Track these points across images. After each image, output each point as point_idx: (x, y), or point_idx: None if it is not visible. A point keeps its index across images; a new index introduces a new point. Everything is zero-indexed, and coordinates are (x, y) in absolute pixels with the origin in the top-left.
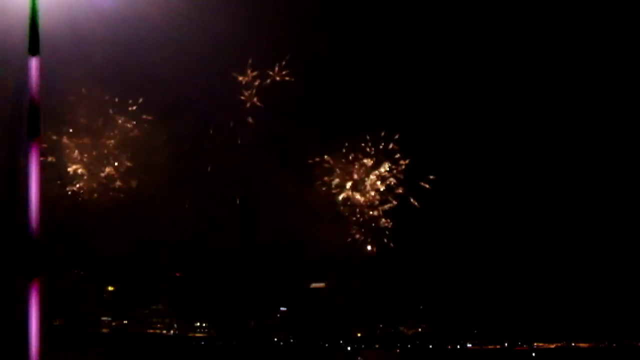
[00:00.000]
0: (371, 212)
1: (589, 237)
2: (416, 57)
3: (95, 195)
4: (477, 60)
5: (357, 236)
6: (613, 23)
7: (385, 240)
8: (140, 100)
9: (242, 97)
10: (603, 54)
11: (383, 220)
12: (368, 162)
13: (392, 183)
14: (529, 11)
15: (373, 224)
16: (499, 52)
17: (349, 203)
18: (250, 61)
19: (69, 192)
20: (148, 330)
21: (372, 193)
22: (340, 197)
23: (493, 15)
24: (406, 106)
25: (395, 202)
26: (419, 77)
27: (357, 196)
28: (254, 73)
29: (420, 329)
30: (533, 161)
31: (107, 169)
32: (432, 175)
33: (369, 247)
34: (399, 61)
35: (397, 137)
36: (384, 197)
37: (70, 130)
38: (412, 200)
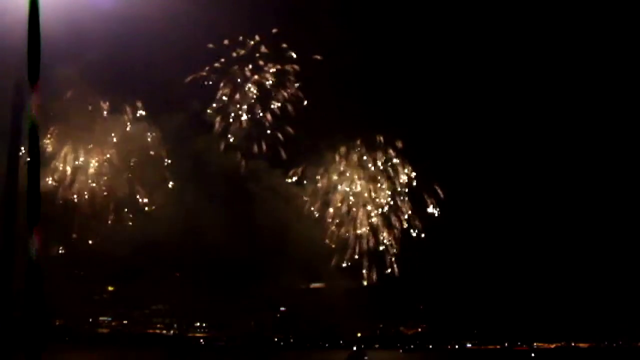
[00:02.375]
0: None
1: (589, 238)
2: (420, 64)
3: (89, 194)
4: (483, 69)
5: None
6: (613, 23)
7: (387, 256)
8: (139, 101)
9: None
10: (604, 55)
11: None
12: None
13: (388, 193)
14: (536, 23)
15: (371, 246)
16: (508, 63)
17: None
18: (250, 66)
19: (68, 193)
20: (148, 330)
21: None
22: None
23: (499, 25)
24: (409, 116)
25: (398, 226)
26: (423, 86)
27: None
28: (254, 75)
29: (420, 329)
30: (531, 162)
31: (103, 170)
32: (432, 180)
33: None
34: (402, 67)
35: (400, 146)
36: (381, 204)
37: (67, 130)
38: (415, 224)
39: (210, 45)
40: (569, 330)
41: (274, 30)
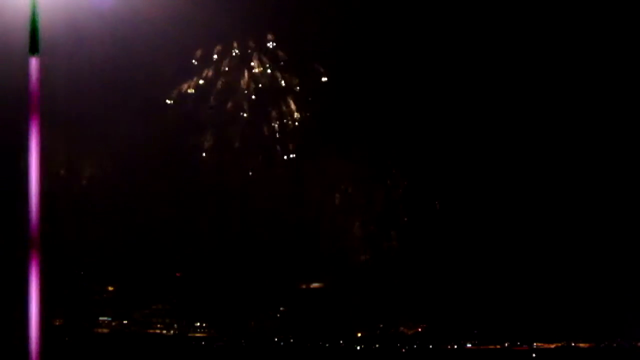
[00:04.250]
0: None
1: (589, 237)
2: (420, 72)
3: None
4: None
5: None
6: (612, 23)
7: (384, 243)
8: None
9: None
10: (601, 56)
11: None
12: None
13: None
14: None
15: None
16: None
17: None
18: (247, 71)
19: (66, 192)
20: (148, 330)
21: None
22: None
23: (491, 32)
24: (406, 124)
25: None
26: (422, 94)
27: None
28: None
29: (420, 329)
30: (533, 163)
31: (98, 172)
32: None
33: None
34: (402, 73)
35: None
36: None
37: (63, 131)
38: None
39: (199, 52)
40: (569, 330)
41: (269, 37)
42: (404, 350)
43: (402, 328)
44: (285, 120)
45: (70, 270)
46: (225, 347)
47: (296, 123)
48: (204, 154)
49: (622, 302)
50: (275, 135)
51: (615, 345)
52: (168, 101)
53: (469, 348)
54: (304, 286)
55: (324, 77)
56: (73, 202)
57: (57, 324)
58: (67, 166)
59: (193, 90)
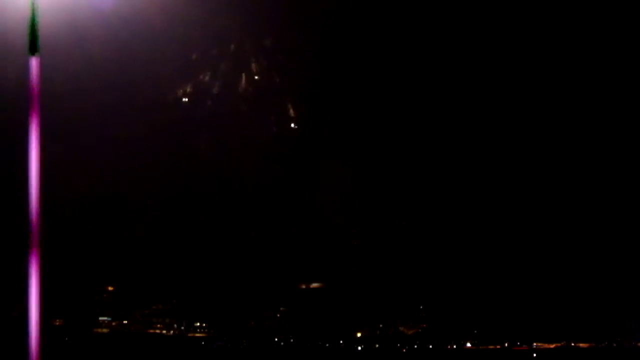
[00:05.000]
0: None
1: (589, 238)
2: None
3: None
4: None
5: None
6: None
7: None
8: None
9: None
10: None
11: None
12: None
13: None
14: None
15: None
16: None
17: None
18: (243, 77)
19: (66, 192)
20: (148, 330)
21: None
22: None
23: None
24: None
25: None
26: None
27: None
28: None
29: (420, 329)
30: (533, 164)
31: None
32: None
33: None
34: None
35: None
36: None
37: (65, 129)
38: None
39: (195, 56)
40: (569, 330)
41: (267, 41)
42: (404, 351)
43: (402, 328)
44: (283, 121)
45: (70, 270)
46: (225, 347)
47: (294, 124)
48: (203, 154)
49: (622, 302)
50: (274, 136)
51: (615, 345)
52: (167, 101)
53: (469, 348)
54: (304, 286)
55: (322, 79)
56: (73, 202)
57: (57, 324)
58: (67, 166)
59: (192, 91)
